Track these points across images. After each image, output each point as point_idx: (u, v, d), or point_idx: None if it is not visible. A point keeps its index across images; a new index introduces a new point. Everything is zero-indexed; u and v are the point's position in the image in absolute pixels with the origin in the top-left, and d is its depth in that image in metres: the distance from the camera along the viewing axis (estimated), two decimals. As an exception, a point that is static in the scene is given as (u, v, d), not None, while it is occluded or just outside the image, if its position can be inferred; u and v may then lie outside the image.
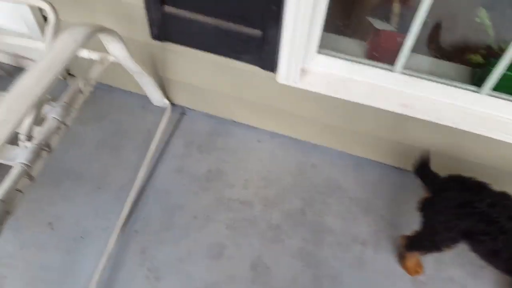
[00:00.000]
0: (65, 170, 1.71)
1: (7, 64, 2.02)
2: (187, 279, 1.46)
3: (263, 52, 1.49)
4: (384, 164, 1.81)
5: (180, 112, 1.96)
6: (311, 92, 1.54)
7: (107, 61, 1.54)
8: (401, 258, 1.54)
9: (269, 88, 1.64)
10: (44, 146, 1.22)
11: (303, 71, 1.53)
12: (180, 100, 1.94)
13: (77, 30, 1.27)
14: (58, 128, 1.28)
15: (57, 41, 1.25)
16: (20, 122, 1.03)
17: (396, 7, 1.59)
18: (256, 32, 1.44)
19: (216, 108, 1.90)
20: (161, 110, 1.92)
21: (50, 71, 1.15)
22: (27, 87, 1.10)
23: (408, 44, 1.33)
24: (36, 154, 1.19)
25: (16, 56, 2.02)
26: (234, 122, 1.92)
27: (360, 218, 1.65)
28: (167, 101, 1.91)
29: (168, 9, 1.51)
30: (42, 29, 1.79)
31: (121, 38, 1.44)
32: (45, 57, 1.19)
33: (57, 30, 1.46)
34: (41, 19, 1.77)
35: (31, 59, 1.99)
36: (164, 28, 1.58)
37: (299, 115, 1.72)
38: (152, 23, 1.58)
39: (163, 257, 1.50)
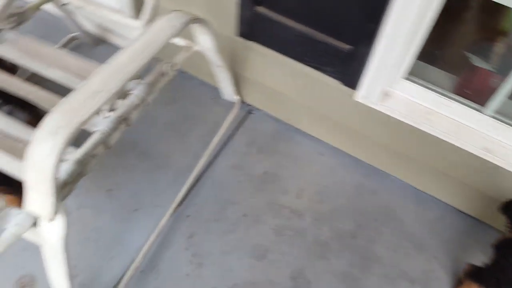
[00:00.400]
0: (131, 143, 1.79)
1: (94, 34, 2.15)
2: (227, 272, 1.48)
3: (348, 67, 1.47)
4: (449, 205, 1.72)
5: (247, 110, 1.98)
6: (388, 116, 1.49)
7: (192, 49, 1.60)
8: (458, 285, 1.49)
9: (343, 104, 1.61)
10: (123, 119, 1.29)
11: (386, 94, 1.49)
12: (250, 99, 1.96)
13: (176, 17, 1.33)
14: (138, 104, 1.35)
15: (155, 24, 1.31)
16: (111, 95, 1.09)
17: (500, 47, 1.50)
18: (346, 47, 1.42)
19: (284, 113, 1.90)
20: (229, 104, 1.95)
21: (145, 52, 1.20)
22: (122, 63, 1.17)
23: (507, 88, 1.25)
24: (116, 125, 1.26)
25: (104, 28, 2.15)
26: (298, 130, 1.91)
27: (413, 255, 1.58)
28: (237, 97, 1.94)
29: (261, 9, 1.53)
30: (133, 7, 1.86)
31: (212, 31, 1.49)
32: (142, 38, 1.26)
33: (155, 12, 1.54)
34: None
35: (117, 33, 2.12)
36: (252, 28, 1.61)
37: (368, 136, 1.68)
38: (241, 21, 1.61)
39: (208, 246, 1.53)
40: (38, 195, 1.00)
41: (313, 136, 1.89)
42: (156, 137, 1.83)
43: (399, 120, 1.49)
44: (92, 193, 1.63)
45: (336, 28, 1.42)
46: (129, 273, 1.43)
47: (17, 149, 1.19)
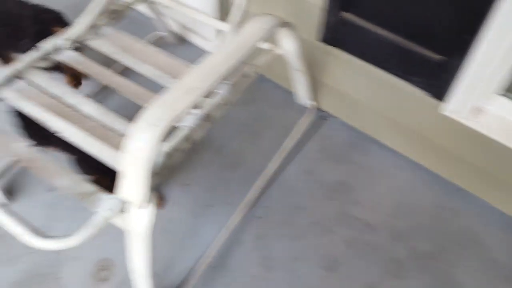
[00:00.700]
0: (207, 141, 1.85)
1: (178, 34, 2.25)
2: (296, 279, 1.47)
3: (437, 78, 1.40)
4: (542, 234, 1.57)
5: (321, 116, 1.96)
6: (478, 133, 1.40)
7: (274, 52, 1.62)
8: None
9: (428, 116, 1.53)
10: (208, 117, 1.33)
11: (477, 109, 1.39)
12: (326, 105, 1.94)
13: (266, 20, 1.35)
14: (222, 104, 1.39)
15: (246, 27, 1.33)
16: (206, 92, 1.13)
17: None
18: (437, 57, 1.36)
19: (361, 122, 1.86)
20: (303, 109, 1.94)
21: (237, 54, 1.23)
22: (217, 63, 1.20)
23: None
24: (201, 122, 1.31)
25: (187, 28, 2.25)
26: (375, 141, 1.84)
27: (498, 286, 1.46)
28: (313, 103, 1.93)
29: (347, 15, 1.51)
30: (219, 10, 1.92)
31: (297, 35, 1.49)
32: (234, 40, 1.29)
33: (244, 15, 1.58)
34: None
35: (200, 34, 2.20)
36: (336, 34, 1.59)
37: (453, 152, 1.58)
38: (325, 27, 1.60)
39: (278, 250, 1.53)
40: (133, 183, 1.05)
41: (391, 148, 1.82)
42: (230, 136, 1.87)
43: (491, 138, 1.38)
44: (170, 185, 1.70)
45: (428, 38, 1.36)
46: (201, 267, 1.47)
47: (109, 138, 1.27)
